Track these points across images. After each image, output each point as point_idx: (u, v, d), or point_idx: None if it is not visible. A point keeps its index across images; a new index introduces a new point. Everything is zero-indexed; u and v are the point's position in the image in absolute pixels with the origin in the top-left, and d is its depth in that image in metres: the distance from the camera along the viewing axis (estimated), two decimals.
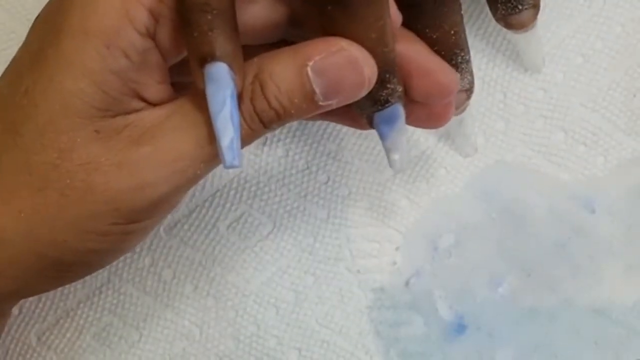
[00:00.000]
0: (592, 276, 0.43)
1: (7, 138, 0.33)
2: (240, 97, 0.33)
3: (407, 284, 0.44)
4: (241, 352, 0.44)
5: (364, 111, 0.36)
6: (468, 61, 0.39)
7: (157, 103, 0.34)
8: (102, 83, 0.32)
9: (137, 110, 0.33)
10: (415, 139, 0.45)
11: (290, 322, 0.44)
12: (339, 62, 0.33)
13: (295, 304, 0.44)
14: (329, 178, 0.45)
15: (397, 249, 0.44)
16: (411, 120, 0.37)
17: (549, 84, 0.45)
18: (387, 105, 0.35)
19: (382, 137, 0.36)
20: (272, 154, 0.45)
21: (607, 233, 0.44)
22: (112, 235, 0.33)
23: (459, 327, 0.43)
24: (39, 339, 0.44)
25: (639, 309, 0.43)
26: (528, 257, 0.44)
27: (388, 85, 0.35)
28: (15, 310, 0.43)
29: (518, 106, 0.45)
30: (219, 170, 0.43)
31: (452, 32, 0.38)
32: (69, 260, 0.34)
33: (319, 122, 0.45)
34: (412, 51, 0.36)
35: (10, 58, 0.35)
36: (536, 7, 0.41)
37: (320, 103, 0.33)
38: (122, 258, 0.43)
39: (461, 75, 0.39)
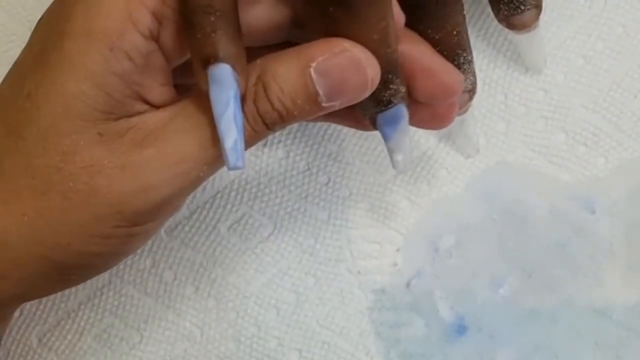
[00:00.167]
0: (593, 277, 0.43)
1: (9, 141, 0.33)
2: (243, 99, 0.32)
3: (407, 285, 0.44)
4: (242, 353, 0.44)
5: (367, 112, 0.36)
6: (470, 62, 0.39)
7: (160, 105, 0.33)
8: (105, 85, 0.32)
9: (140, 113, 0.33)
10: (416, 139, 0.45)
11: (291, 324, 0.44)
12: (342, 63, 0.33)
13: (296, 305, 0.44)
14: (329, 179, 0.45)
15: (397, 250, 0.44)
16: (414, 121, 0.37)
17: (550, 85, 0.45)
18: (390, 106, 0.35)
19: (385, 138, 0.36)
20: (272, 155, 0.45)
21: (607, 233, 0.44)
22: (116, 238, 0.33)
23: (460, 328, 0.43)
24: (39, 340, 0.44)
25: (639, 309, 0.43)
26: (529, 258, 0.44)
27: (391, 86, 0.35)
28: (16, 312, 0.43)
29: (519, 107, 0.45)
30: (219, 171, 0.43)
31: (455, 32, 0.38)
32: (72, 263, 0.34)
33: (319, 124, 0.45)
34: (416, 52, 0.36)
35: (11, 60, 0.34)
36: (539, 7, 0.41)
37: (324, 104, 0.33)
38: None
39: (464, 75, 0.39)
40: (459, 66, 0.38)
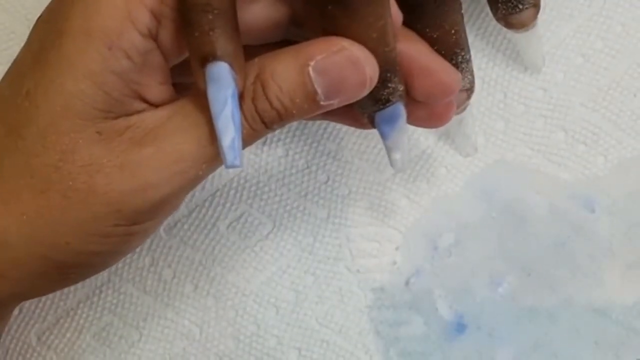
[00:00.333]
0: (592, 276, 0.43)
1: (8, 140, 0.33)
2: (241, 97, 0.32)
3: (407, 283, 0.44)
4: (241, 351, 0.44)
5: (366, 111, 0.36)
6: (468, 60, 0.39)
7: (159, 104, 0.33)
8: (103, 84, 0.32)
9: (138, 112, 0.33)
10: (415, 138, 0.45)
11: (290, 322, 0.44)
12: (341, 61, 0.33)
13: (295, 304, 0.44)
14: (328, 177, 0.45)
15: (397, 248, 0.44)
16: (412, 120, 0.37)
17: (549, 84, 0.45)
18: (388, 104, 0.35)
19: (383, 136, 0.36)
20: (272, 153, 0.45)
21: (607, 233, 0.44)
22: (115, 237, 0.33)
23: (459, 327, 0.43)
24: (39, 338, 0.44)
25: (638, 308, 0.43)
26: (528, 257, 0.44)
27: (389, 85, 0.35)
28: (15, 310, 0.43)
29: (518, 106, 0.45)
30: (218, 169, 0.43)
31: (453, 31, 0.38)
32: (71, 262, 0.34)
33: (318, 122, 0.45)
34: (414, 50, 0.36)
35: (10, 58, 0.34)
36: (537, 6, 0.41)
37: (322, 103, 0.33)
38: None
39: (462, 74, 0.39)
40: (456, 65, 0.39)
